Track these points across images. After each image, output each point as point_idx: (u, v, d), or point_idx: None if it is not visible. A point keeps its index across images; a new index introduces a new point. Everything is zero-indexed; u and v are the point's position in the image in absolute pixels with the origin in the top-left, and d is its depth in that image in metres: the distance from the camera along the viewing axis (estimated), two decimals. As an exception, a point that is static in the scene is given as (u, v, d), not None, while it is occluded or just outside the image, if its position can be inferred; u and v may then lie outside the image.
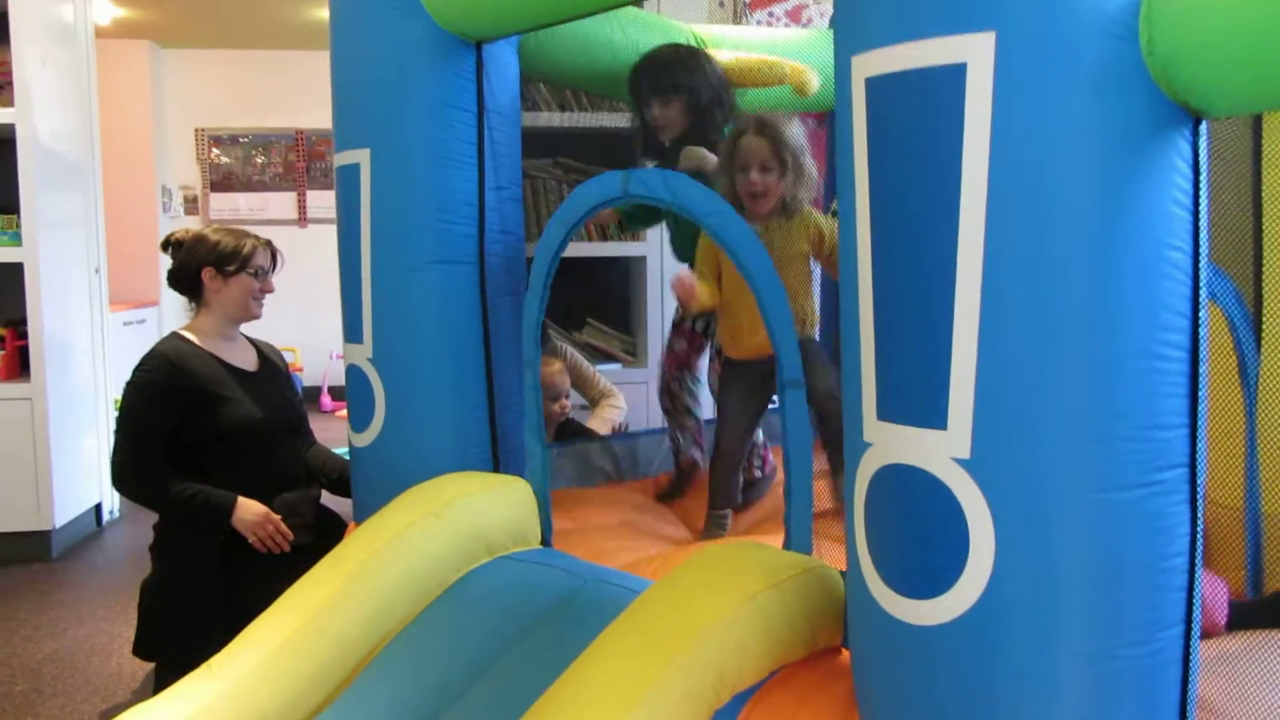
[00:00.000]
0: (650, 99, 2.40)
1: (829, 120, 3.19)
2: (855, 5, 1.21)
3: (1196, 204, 1.10)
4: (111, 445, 2.35)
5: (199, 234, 2.43)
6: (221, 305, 2.40)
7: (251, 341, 2.53)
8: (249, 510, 2.26)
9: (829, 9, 3.34)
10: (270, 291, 2.47)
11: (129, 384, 2.34)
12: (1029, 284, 1.07)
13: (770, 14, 3.40)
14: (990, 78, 1.06)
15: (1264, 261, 1.52)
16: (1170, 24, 1.03)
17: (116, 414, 4.94)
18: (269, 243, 2.48)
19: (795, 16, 3.40)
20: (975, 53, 1.07)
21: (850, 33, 1.22)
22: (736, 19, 3.34)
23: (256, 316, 2.46)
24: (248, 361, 2.45)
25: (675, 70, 2.40)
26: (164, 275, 8.07)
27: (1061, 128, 1.06)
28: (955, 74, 1.08)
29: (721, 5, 3.37)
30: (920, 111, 1.11)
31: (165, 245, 2.47)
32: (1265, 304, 1.52)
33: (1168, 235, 1.08)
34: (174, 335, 2.42)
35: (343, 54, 2.09)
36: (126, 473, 2.30)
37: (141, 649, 2.39)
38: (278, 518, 2.28)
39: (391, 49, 1.99)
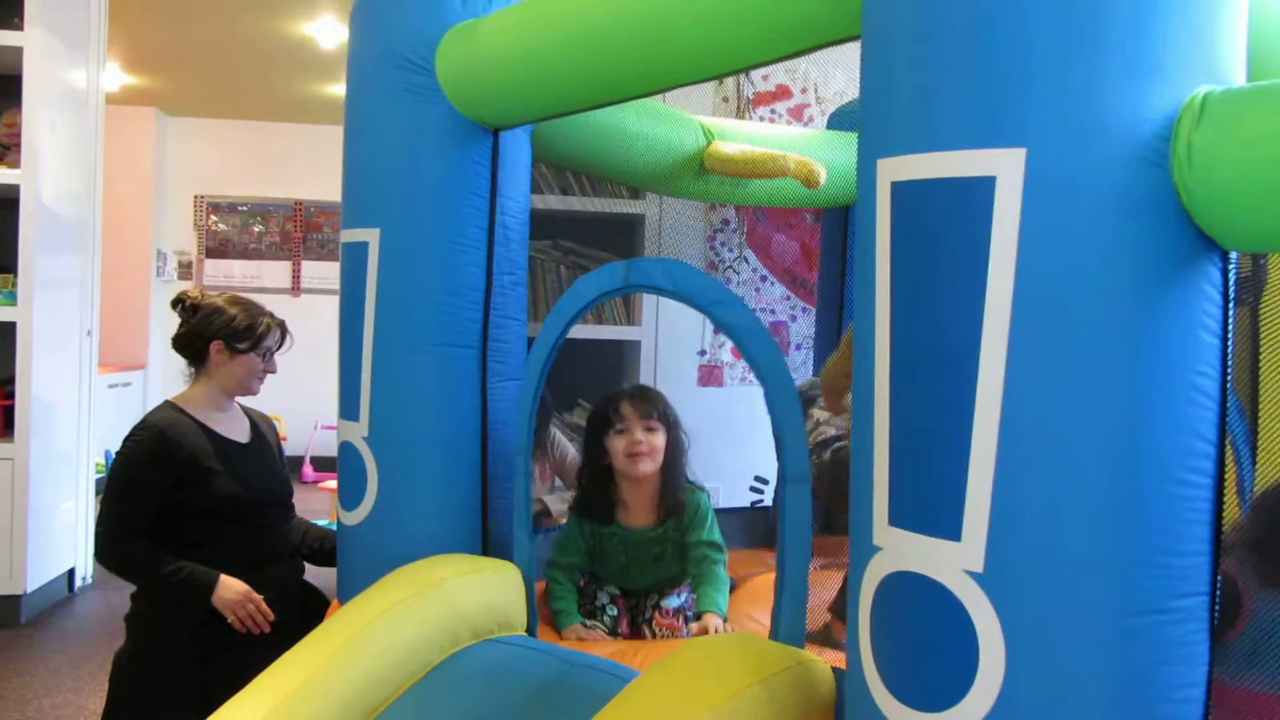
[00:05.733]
0: (635, 422, 2.20)
1: (825, 216, 3.24)
2: (884, 108, 1.21)
3: (1225, 330, 1.10)
4: (97, 515, 2.31)
5: (214, 304, 2.39)
6: (221, 379, 2.38)
7: (245, 411, 2.52)
8: (230, 589, 2.22)
9: (830, 109, 3.42)
10: (272, 372, 2.45)
11: (119, 453, 2.31)
12: (1051, 401, 1.06)
13: (773, 110, 3.49)
14: (1019, 193, 1.07)
15: (1260, 375, 1.52)
16: (1198, 155, 1.05)
17: (104, 479, 4.89)
18: (282, 323, 2.45)
19: (797, 115, 3.47)
20: (1005, 167, 1.07)
21: (877, 135, 1.22)
22: (740, 114, 3.42)
23: (254, 394, 2.44)
24: (240, 433, 2.43)
25: (663, 400, 2.28)
26: (153, 339, 7.99)
27: (1090, 248, 1.06)
28: (985, 186, 1.09)
29: (725, 100, 3.45)
30: (947, 220, 1.12)
31: (176, 303, 2.44)
32: (1261, 418, 1.51)
33: (1196, 361, 1.08)
34: (167, 405, 2.39)
35: (358, 132, 2.09)
36: (110, 544, 2.26)
37: None
38: (259, 598, 2.24)
39: (409, 131, 2.00)
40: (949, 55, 1.13)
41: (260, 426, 2.50)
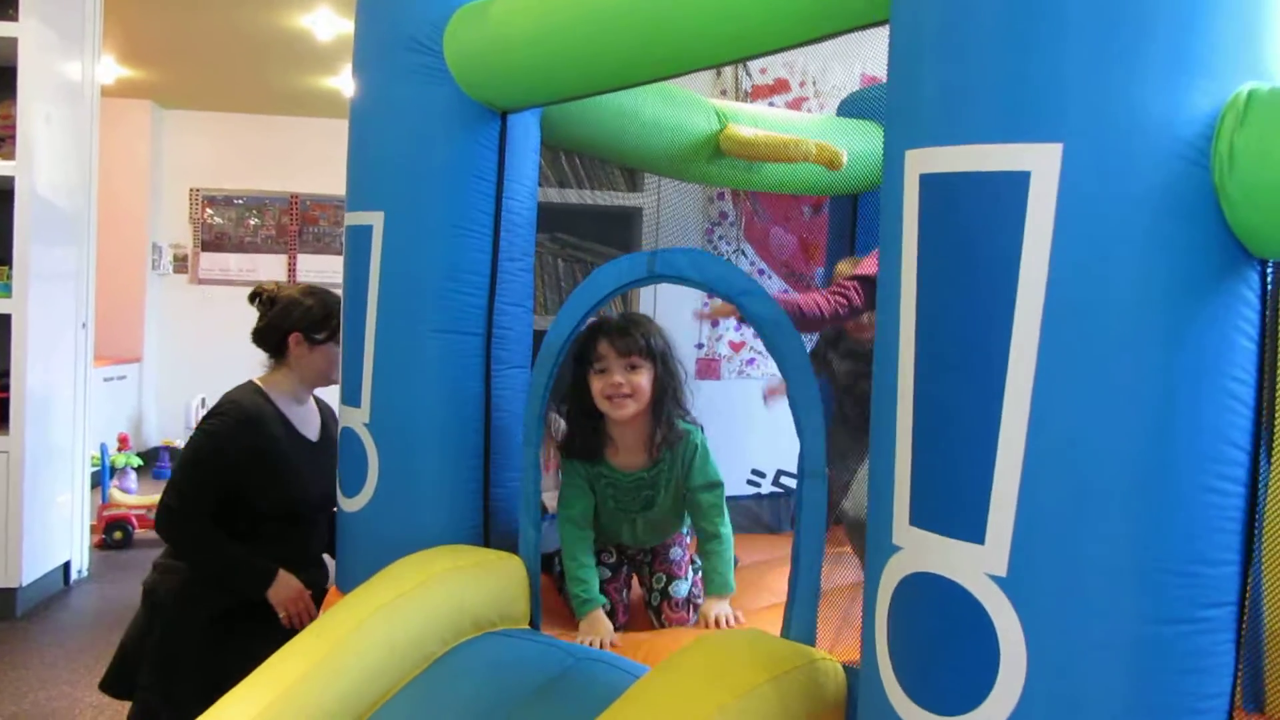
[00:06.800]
0: (614, 361, 2.03)
1: (832, 205, 3.23)
2: (913, 98, 1.17)
3: (1263, 335, 1.07)
4: (165, 489, 2.31)
5: (291, 296, 2.40)
6: (302, 371, 2.38)
7: (318, 404, 2.51)
8: (287, 585, 2.22)
9: (829, 102, 3.41)
10: None
11: (201, 429, 2.30)
12: (1081, 402, 1.04)
13: (770, 104, 3.48)
14: (1055, 189, 1.03)
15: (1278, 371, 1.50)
16: (1239, 154, 1.02)
17: (98, 472, 4.86)
18: None
19: (795, 108, 3.46)
20: (1041, 162, 1.04)
21: (906, 125, 1.19)
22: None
23: (335, 383, 2.43)
24: (312, 429, 2.42)
25: (649, 331, 2.08)
26: (148, 332, 7.95)
27: (1126, 248, 1.03)
28: (1019, 181, 1.05)
29: (724, 93, 3.44)
30: (979, 215, 1.08)
31: (253, 297, 2.44)
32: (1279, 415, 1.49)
33: (1231, 367, 1.05)
34: (253, 388, 2.38)
35: (364, 114, 2.07)
36: (175, 520, 2.25)
37: (112, 687, 2.32)
38: (309, 596, 2.25)
39: (416, 114, 1.98)
40: (983, 43, 1.09)
41: (329, 424, 2.49)
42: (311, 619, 2.23)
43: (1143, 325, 1.03)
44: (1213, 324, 1.04)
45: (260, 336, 2.40)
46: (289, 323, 2.36)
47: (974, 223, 1.09)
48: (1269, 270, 1.08)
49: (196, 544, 2.25)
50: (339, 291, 2.16)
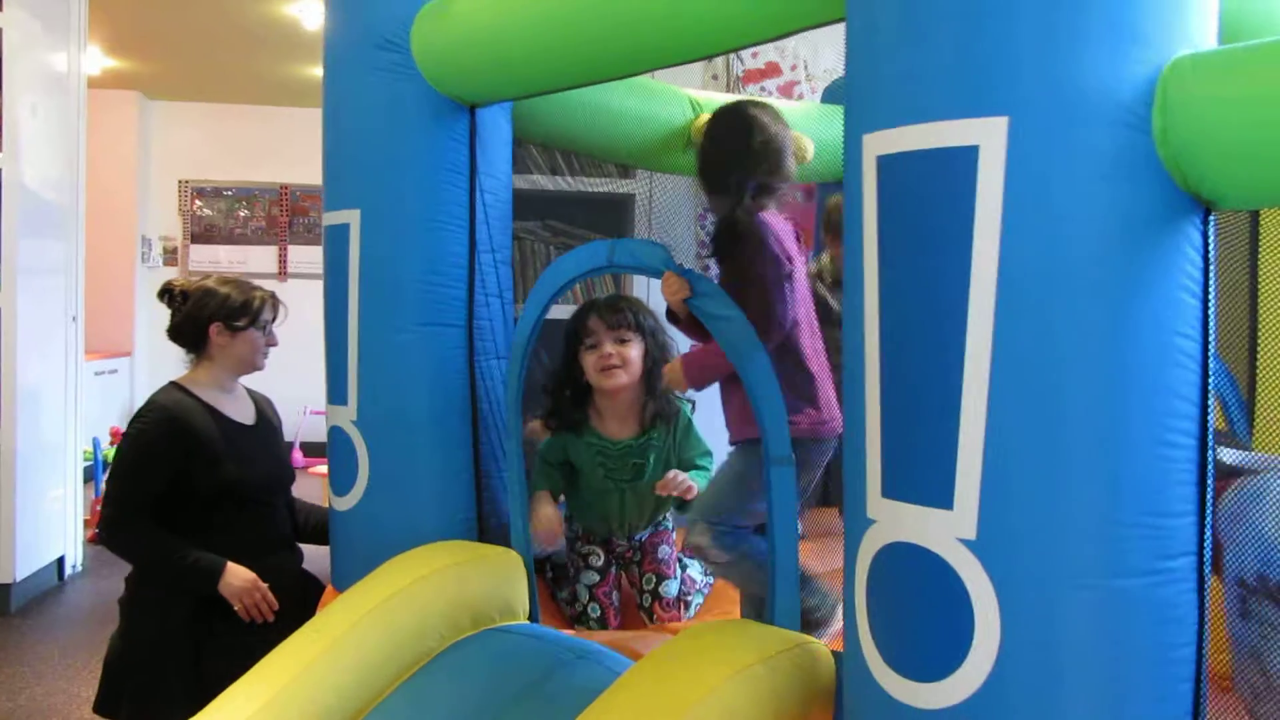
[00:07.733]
0: (605, 335, 2.14)
1: (819, 192, 3.22)
2: (868, 83, 1.22)
3: (1206, 292, 1.11)
4: (103, 496, 2.29)
5: (204, 287, 2.37)
6: (225, 360, 2.36)
7: (249, 393, 2.49)
8: (237, 576, 2.20)
9: (819, 86, 3.40)
10: (274, 345, 2.42)
11: (126, 434, 2.29)
12: (1038, 366, 1.07)
13: (762, 88, 3.47)
14: (1002, 161, 1.08)
15: (1258, 345, 1.54)
16: (1184, 117, 1.05)
17: (90, 467, 4.86)
18: (273, 294, 2.44)
19: (787, 92, 3.46)
20: (988, 136, 1.08)
21: (862, 110, 1.23)
22: (730, 92, 3.41)
23: (260, 369, 2.41)
24: (246, 415, 2.40)
25: (638, 309, 2.20)
26: (138, 326, 7.88)
27: (1073, 213, 1.07)
28: (968, 156, 1.09)
29: (715, 78, 3.43)
30: (932, 192, 1.13)
31: (163, 294, 2.41)
32: (1259, 388, 1.53)
33: (1177, 323, 1.09)
34: (174, 386, 2.36)
35: (335, 113, 2.07)
36: (116, 527, 2.23)
37: (103, 707, 2.31)
38: (264, 586, 2.22)
39: (385, 110, 1.98)
40: (933, 27, 1.13)
41: (264, 409, 2.48)
42: (270, 607, 2.21)
43: (1091, 287, 1.07)
44: (1159, 282, 1.08)
45: (178, 332, 2.37)
46: (206, 313, 2.33)
47: (928, 199, 1.13)
48: (1210, 228, 1.11)
49: (139, 549, 2.24)
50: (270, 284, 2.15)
